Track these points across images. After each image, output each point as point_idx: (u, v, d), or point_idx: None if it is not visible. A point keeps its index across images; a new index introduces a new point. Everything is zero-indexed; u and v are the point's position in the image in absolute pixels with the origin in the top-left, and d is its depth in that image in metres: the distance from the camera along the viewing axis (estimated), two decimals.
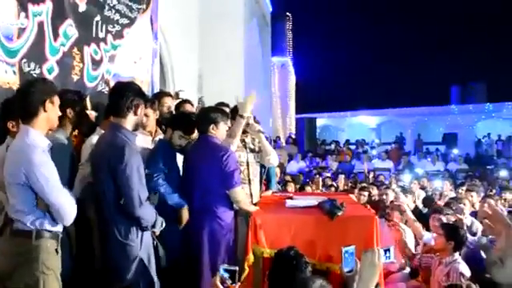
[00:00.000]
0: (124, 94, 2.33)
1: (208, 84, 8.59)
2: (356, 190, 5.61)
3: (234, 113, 3.23)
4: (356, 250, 2.13)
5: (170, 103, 3.63)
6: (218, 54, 8.95)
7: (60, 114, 2.14)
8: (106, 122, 2.73)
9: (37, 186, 1.93)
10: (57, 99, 2.08)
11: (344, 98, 23.62)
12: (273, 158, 3.42)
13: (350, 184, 7.35)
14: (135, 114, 2.35)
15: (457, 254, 3.10)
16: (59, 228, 2.06)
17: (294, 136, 14.57)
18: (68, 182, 2.33)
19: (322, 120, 19.81)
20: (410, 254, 3.64)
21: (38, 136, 1.99)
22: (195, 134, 3.06)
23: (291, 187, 5.92)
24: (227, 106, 3.63)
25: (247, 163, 3.28)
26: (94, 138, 2.68)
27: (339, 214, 2.73)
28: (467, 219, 4.19)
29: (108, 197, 2.29)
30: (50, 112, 2.03)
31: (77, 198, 2.15)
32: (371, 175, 8.81)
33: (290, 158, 10.78)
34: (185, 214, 2.81)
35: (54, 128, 2.21)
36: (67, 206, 2.01)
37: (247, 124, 3.24)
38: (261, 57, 13.90)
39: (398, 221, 4.02)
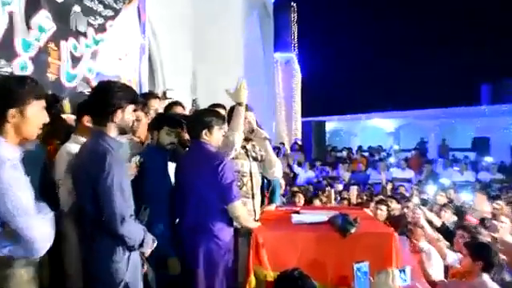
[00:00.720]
0: (99, 99, 2.34)
1: (203, 83, 8.61)
2: (372, 204, 5.59)
3: (231, 116, 3.25)
4: (371, 272, 2.13)
5: (157, 106, 3.63)
6: (215, 49, 8.97)
7: (46, 120, 2.02)
8: (82, 127, 2.74)
9: (3, 209, 1.82)
10: (32, 107, 1.94)
11: (357, 99, 23.71)
12: (277, 171, 3.44)
13: (364, 197, 7.34)
14: (112, 120, 2.34)
15: (486, 276, 3.04)
16: None
17: (300, 142, 14.60)
18: (39, 195, 2.29)
19: (331, 124, 19.89)
20: (430, 280, 3.56)
21: (6, 147, 1.88)
22: (187, 136, 3.08)
23: (300, 198, 5.92)
24: (223, 107, 3.63)
25: (250, 173, 3.26)
26: (71, 146, 2.68)
27: (352, 230, 2.72)
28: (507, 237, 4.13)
29: (89, 212, 2.29)
30: (19, 122, 1.91)
31: (57, 215, 2.09)
32: (389, 186, 8.79)
33: (299, 164, 10.79)
34: (173, 265, 2.80)
35: (32, 138, 2.07)
36: (39, 237, 1.89)
37: (252, 130, 3.27)
38: (262, 53, 13.95)
39: (420, 239, 3.97)
